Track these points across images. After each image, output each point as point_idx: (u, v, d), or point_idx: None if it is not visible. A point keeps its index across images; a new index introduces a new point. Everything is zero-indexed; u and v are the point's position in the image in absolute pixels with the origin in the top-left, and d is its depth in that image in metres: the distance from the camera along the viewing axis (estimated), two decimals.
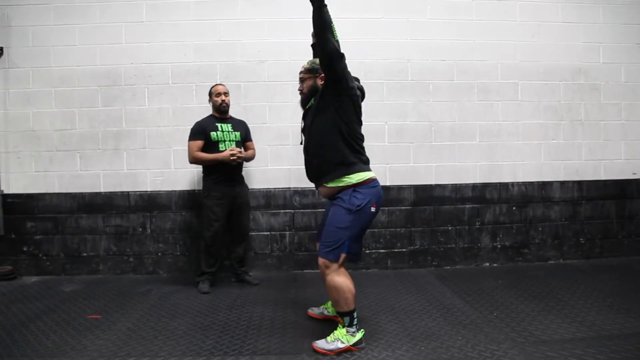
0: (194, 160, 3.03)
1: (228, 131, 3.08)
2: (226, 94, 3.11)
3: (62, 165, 3.51)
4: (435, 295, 2.88)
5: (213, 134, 3.01)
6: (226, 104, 3.09)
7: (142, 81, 3.51)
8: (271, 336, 2.26)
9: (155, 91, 3.52)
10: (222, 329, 2.37)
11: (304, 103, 2.25)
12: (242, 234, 3.21)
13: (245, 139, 3.19)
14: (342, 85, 2.01)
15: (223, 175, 3.02)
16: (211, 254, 3.09)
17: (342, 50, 1.98)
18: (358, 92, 2.14)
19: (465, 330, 2.29)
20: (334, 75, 1.98)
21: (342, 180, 2.07)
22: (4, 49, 3.46)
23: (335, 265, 2.05)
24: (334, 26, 1.95)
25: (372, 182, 2.11)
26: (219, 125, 3.06)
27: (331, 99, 2.04)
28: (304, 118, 2.24)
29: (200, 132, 3.01)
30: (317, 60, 2.12)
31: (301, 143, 2.23)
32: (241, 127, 3.18)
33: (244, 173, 3.24)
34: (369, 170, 2.13)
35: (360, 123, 2.16)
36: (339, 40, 1.99)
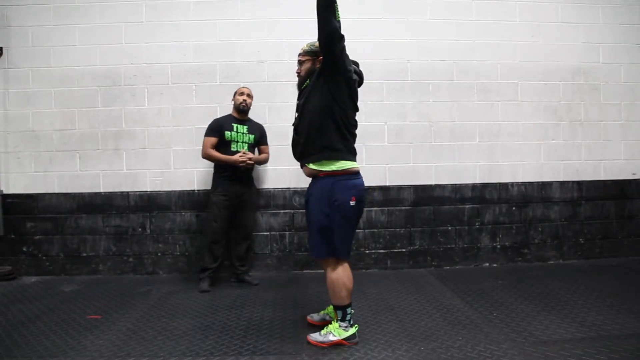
0: (206, 156, 3.09)
1: (243, 132, 3.12)
2: (249, 95, 3.17)
3: (62, 166, 3.51)
4: (434, 296, 2.88)
5: (227, 133, 3.06)
6: (246, 104, 3.14)
7: (141, 81, 3.51)
8: (271, 336, 2.26)
9: (155, 91, 3.51)
10: (222, 329, 2.37)
11: (300, 85, 2.23)
12: (245, 233, 3.23)
13: (259, 143, 3.24)
14: (339, 67, 1.99)
15: (233, 173, 3.06)
16: (213, 250, 3.12)
17: (342, 32, 1.94)
18: (355, 77, 2.11)
19: (464, 331, 2.29)
20: (332, 55, 1.95)
21: (322, 163, 2.06)
22: (4, 49, 3.46)
23: (330, 262, 2.09)
24: (337, 6, 1.91)
25: (352, 173, 2.09)
26: (234, 125, 3.11)
27: (327, 80, 2.02)
28: (299, 98, 2.21)
29: (216, 129, 3.06)
30: (316, 43, 2.08)
31: (294, 124, 2.21)
32: (257, 130, 3.23)
33: (254, 174, 3.29)
34: (353, 160, 2.11)
35: (355, 109, 2.14)
36: (341, 21, 1.94)
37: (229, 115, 3.18)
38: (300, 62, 2.21)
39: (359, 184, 2.11)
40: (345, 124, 2.07)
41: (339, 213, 2.04)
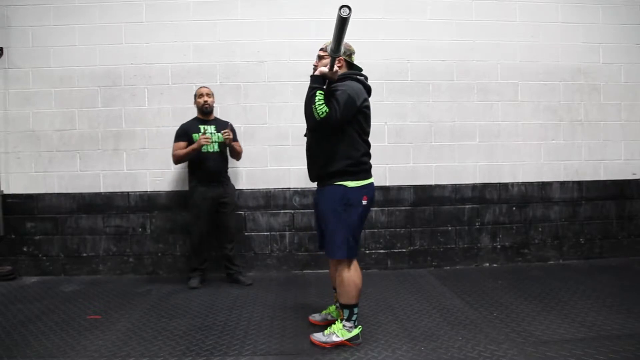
0: (175, 159, 3.11)
1: (210, 133, 3.12)
2: (209, 95, 3.17)
3: (62, 166, 3.51)
4: (435, 296, 2.88)
5: (195, 135, 3.07)
6: (209, 104, 3.15)
7: (142, 81, 3.51)
8: (271, 336, 2.26)
9: (155, 91, 3.51)
10: (222, 329, 2.37)
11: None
12: (228, 234, 3.22)
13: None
14: (349, 116, 2.02)
15: (206, 175, 3.08)
16: (198, 252, 3.16)
17: (324, 113, 1.97)
18: (367, 105, 2.11)
19: (465, 331, 2.29)
20: (336, 125, 2.00)
21: (340, 183, 2.08)
22: (4, 49, 3.46)
23: (344, 262, 2.11)
24: (318, 104, 1.97)
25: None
26: (201, 127, 3.12)
27: None
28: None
29: (183, 134, 3.10)
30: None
31: (307, 144, 2.22)
32: (224, 127, 3.18)
33: (231, 173, 3.29)
34: (368, 178, 2.13)
35: (368, 131, 2.16)
36: (325, 110, 1.98)
37: (194, 119, 3.20)
38: (319, 57, 2.18)
39: (370, 185, 2.14)
40: (360, 145, 2.09)
41: (353, 212, 2.06)
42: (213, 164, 3.08)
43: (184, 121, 3.41)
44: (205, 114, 3.16)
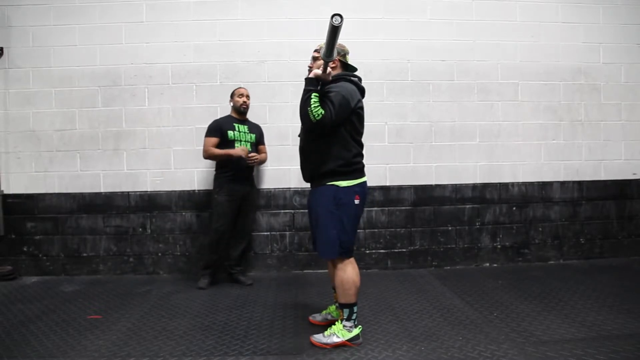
0: (207, 155, 3.11)
1: (244, 132, 3.16)
2: (248, 96, 3.21)
3: (62, 166, 3.51)
4: (435, 296, 2.88)
5: (230, 132, 3.09)
6: (246, 105, 3.19)
7: (142, 81, 3.51)
8: (271, 336, 2.26)
9: (155, 91, 3.51)
10: (222, 329, 2.37)
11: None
12: (244, 233, 3.24)
13: (258, 142, 3.27)
14: (343, 117, 2.04)
15: (235, 173, 3.09)
16: (215, 250, 3.13)
17: (319, 115, 1.96)
18: (361, 106, 2.12)
19: (465, 331, 2.29)
20: (331, 126, 2.01)
21: (331, 183, 2.09)
22: (4, 49, 3.46)
23: (339, 261, 2.12)
24: (313, 106, 1.98)
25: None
26: (236, 125, 3.14)
27: None
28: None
29: (217, 129, 3.09)
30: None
31: (300, 145, 2.23)
32: (256, 130, 3.27)
33: (255, 174, 3.30)
34: (361, 177, 2.14)
35: (361, 132, 2.17)
36: (321, 112, 1.97)
37: (229, 116, 3.21)
38: (314, 58, 2.20)
39: (362, 184, 2.15)
40: (353, 146, 2.10)
41: (345, 211, 2.07)
42: (244, 163, 3.08)
43: (184, 121, 3.41)
44: (241, 113, 3.19)
